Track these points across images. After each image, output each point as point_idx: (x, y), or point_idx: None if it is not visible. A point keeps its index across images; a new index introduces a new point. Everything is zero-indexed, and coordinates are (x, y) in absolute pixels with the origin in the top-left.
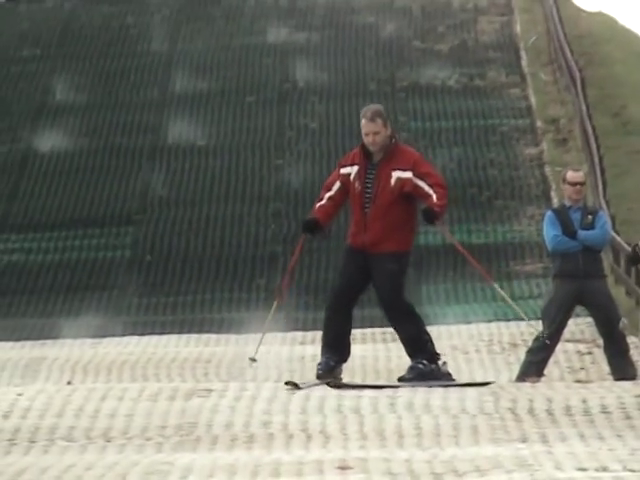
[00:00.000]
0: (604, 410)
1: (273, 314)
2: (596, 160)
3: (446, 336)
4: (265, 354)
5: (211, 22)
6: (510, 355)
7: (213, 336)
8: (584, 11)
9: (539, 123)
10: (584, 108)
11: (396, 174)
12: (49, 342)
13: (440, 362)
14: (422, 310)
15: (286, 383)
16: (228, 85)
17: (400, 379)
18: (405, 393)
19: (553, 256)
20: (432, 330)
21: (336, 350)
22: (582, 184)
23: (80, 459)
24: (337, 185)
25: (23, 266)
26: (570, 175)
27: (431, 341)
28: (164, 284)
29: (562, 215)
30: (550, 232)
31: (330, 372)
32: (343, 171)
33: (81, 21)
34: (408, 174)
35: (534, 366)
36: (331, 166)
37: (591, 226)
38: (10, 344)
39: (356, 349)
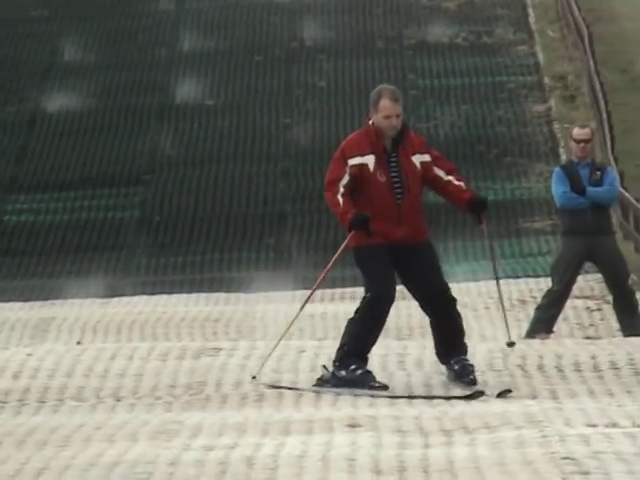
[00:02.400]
0: (613, 366)
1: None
2: (604, 116)
3: (456, 294)
4: (274, 312)
5: None
6: (519, 312)
7: (222, 295)
8: None
9: (547, 80)
10: (592, 64)
11: (417, 158)
12: (58, 302)
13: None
14: None
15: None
16: (236, 44)
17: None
18: (414, 350)
19: (561, 213)
20: None
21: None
22: (587, 141)
23: (90, 419)
24: (346, 178)
25: (32, 227)
26: (576, 132)
27: None
28: (173, 244)
29: (570, 171)
30: (559, 189)
31: None
32: (353, 162)
33: None
34: (427, 157)
35: (543, 323)
36: (339, 125)
37: (599, 182)
38: (19, 304)
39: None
